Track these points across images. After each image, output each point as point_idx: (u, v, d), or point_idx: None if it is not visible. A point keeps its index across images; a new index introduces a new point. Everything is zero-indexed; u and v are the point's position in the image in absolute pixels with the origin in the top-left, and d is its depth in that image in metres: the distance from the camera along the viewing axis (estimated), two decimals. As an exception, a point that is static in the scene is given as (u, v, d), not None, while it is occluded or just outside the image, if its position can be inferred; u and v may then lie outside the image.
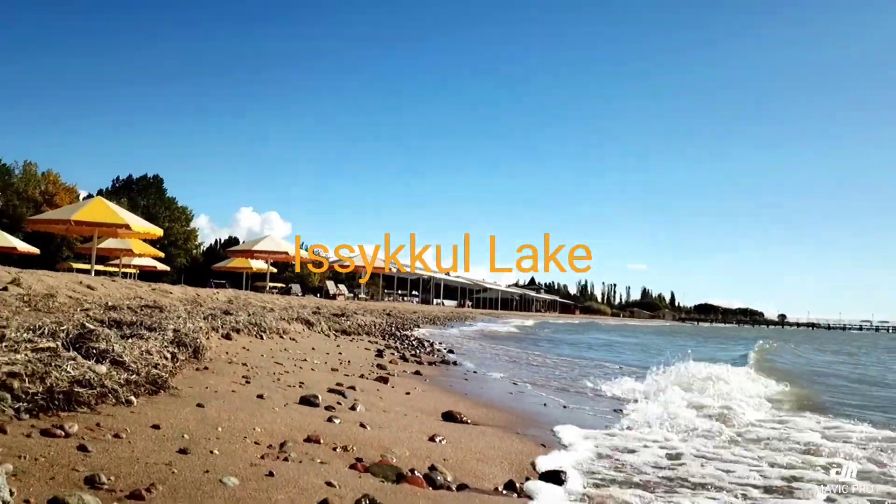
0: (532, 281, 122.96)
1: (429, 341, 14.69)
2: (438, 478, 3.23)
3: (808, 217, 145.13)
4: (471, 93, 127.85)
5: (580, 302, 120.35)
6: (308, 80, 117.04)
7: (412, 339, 14.55)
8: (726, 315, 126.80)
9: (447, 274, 72.83)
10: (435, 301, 65.73)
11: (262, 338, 8.18)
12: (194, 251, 48.69)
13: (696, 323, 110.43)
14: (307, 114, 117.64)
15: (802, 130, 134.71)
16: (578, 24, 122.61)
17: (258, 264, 36.67)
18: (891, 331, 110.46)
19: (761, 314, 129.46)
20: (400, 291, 63.81)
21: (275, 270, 38.16)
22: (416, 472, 3.24)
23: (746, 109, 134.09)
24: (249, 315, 9.04)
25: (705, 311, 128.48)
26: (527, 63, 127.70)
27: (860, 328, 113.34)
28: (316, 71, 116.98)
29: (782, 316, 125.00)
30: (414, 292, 68.60)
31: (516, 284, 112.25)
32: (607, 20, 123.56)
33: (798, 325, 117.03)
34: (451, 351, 12.55)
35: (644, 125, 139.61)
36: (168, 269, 39.03)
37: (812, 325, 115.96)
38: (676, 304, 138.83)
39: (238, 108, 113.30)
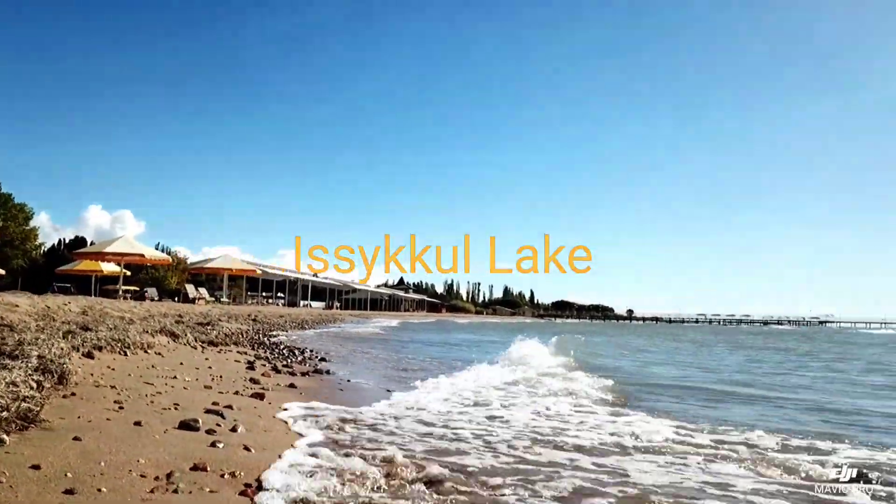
0: (401, 281, 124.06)
1: (299, 348, 14.57)
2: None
3: (670, 214, 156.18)
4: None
5: (447, 301, 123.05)
6: (171, 67, 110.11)
7: (282, 347, 14.37)
8: (581, 311, 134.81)
9: (314, 275, 71.76)
10: (302, 303, 64.55)
11: (126, 354, 7.84)
12: (34, 252, 44.40)
13: (553, 319, 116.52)
14: (167, 106, 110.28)
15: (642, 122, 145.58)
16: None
17: (109, 267, 34.22)
18: (721, 323, 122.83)
19: (612, 310, 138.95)
20: (265, 294, 62.05)
21: (128, 273, 35.74)
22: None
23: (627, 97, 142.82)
24: (110, 329, 8.62)
25: (562, 308, 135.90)
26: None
27: (696, 321, 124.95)
28: (180, 58, 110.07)
29: (630, 311, 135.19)
30: (280, 294, 66.95)
31: (385, 285, 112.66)
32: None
33: (644, 319, 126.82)
34: (323, 359, 12.56)
35: (520, 119, 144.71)
36: (2, 272, 35.38)
37: (656, 319, 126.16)
38: (536, 301, 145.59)
39: (87, 92, 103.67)
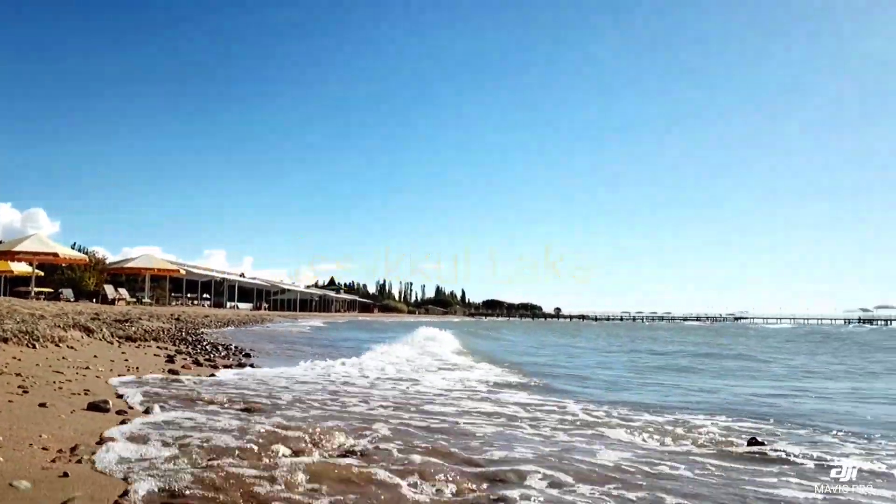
0: (331, 281, 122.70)
1: (223, 345, 14.33)
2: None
3: (597, 214, 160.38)
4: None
5: (379, 301, 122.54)
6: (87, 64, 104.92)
7: (205, 343, 14.08)
8: (510, 310, 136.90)
9: (241, 275, 70.15)
10: (229, 304, 62.95)
11: (34, 347, 7.59)
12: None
13: (483, 317, 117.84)
14: (88, 103, 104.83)
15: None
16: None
17: (20, 267, 32.45)
18: (643, 320, 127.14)
19: (540, 308, 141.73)
20: (189, 295, 60.17)
21: (41, 274, 33.99)
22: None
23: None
24: (18, 322, 8.28)
25: (492, 307, 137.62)
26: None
27: (620, 319, 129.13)
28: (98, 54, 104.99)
29: (557, 309, 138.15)
30: (205, 296, 65.09)
31: (315, 285, 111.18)
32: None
33: (570, 317, 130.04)
34: (247, 354, 12.41)
35: (435, 122, 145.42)
36: None
37: (582, 316, 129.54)
38: (467, 300, 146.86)
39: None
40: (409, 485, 3.19)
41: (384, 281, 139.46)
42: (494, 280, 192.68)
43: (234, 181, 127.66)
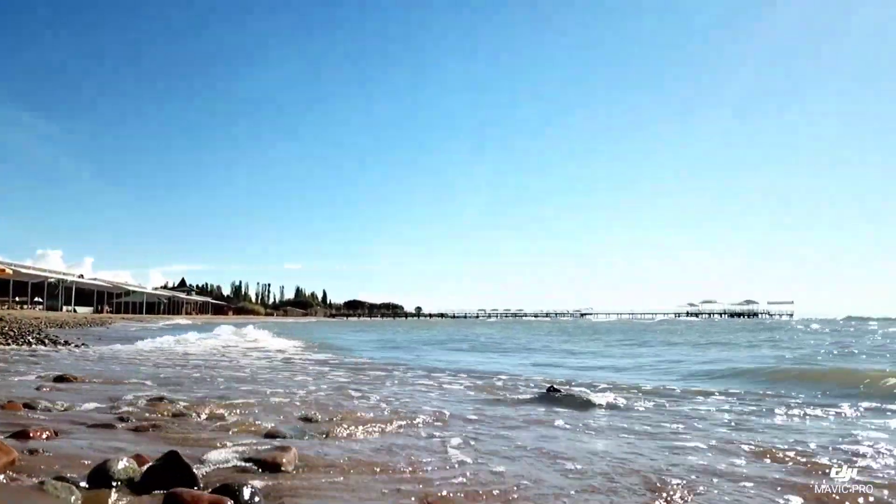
0: (182, 282, 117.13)
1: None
2: None
3: (455, 218, 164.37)
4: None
5: (234, 303, 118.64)
6: None
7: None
8: (372, 310, 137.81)
9: (80, 276, 65.73)
10: (65, 308, 58.82)
11: None
12: None
13: (345, 318, 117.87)
14: None
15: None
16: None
17: None
18: (500, 317, 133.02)
19: (402, 307, 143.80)
20: (17, 298, 55.59)
21: None
22: None
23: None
24: None
25: (354, 307, 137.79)
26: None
27: (477, 316, 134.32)
28: None
29: (419, 308, 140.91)
30: (37, 298, 60.35)
31: (165, 287, 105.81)
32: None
33: (430, 315, 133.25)
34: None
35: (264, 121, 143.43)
36: None
37: (442, 315, 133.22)
38: (328, 301, 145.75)
39: None
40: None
41: (240, 282, 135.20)
42: (359, 280, 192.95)
43: (74, 175, 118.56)
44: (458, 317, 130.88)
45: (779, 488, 2.94)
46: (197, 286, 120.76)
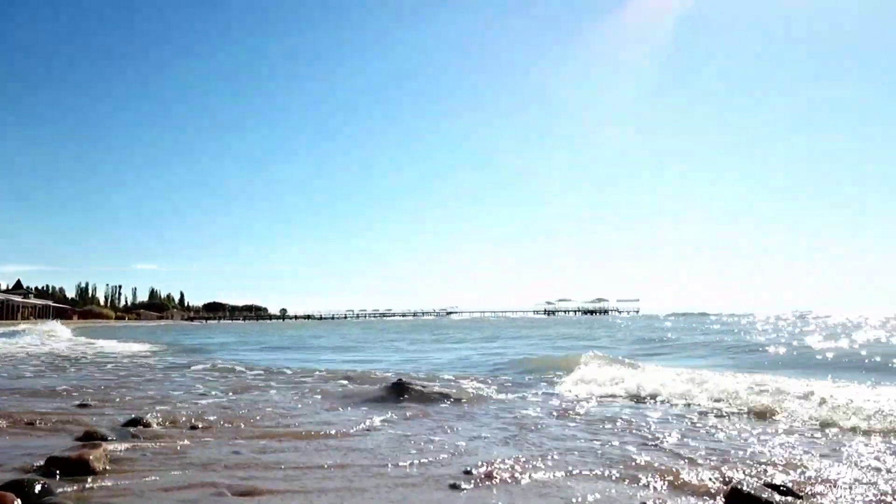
0: (18, 284, 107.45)
1: None
2: None
3: (324, 217, 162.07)
4: None
5: (80, 306, 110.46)
6: None
7: None
8: (234, 312, 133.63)
9: None
10: None
11: None
12: None
13: (205, 321, 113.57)
14: None
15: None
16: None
17: None
18: (366, 317, 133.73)
19: (266, 310, 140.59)
20: None
21: None
22: None
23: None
24: None
25: (214, 309, 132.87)
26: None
27: (345, 317, 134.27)
28: None
29: (283, 310, 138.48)
30: None
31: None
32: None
33: (296, 317, 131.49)
34: None
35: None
36: None
37: (308, 316, 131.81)
38: (186, 303, 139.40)
39: None
40: None
41: (86, 284, 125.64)
42: (221, 282, 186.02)
43: None
44: (325, 318, 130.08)
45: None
46: (36, 288, 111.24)
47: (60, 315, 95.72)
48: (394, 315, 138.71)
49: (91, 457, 3.05)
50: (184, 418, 5.03)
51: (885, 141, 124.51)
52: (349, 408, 5.76)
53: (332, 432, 4.45)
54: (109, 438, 3.95)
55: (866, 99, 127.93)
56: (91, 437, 3.90)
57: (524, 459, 3.58)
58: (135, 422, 4.72)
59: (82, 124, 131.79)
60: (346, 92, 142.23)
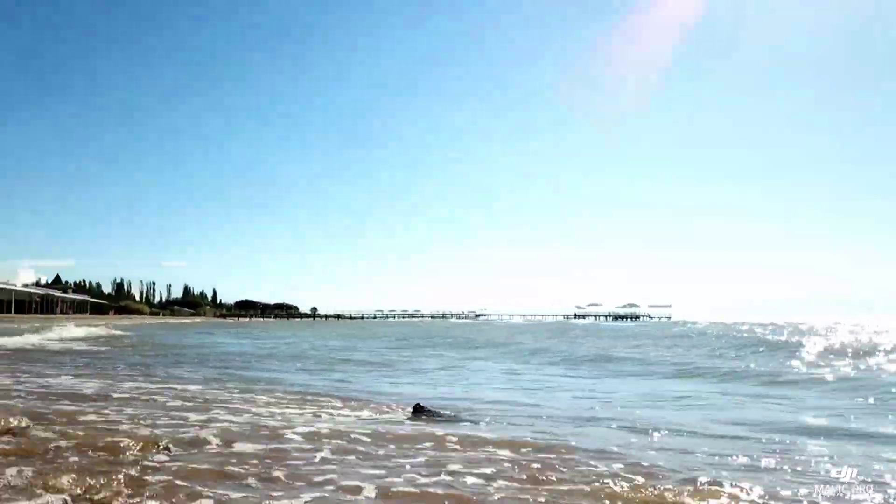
0: (57, 279, 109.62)
1: None
2: None
3: (354, 218, 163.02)
4: None
5: (116, 302, 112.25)
6: None
7: None
8: (265, 310, 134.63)
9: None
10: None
11: None
12: None
13: (237, 318, 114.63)
14: None
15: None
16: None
17: None
18: (396, 317, 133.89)
19: (297, 308, 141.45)
20: None
21: None
22: None
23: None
24: None
25: (246, 307, 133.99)
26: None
27: (374, 317, 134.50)
28: None
29: (314, 309, 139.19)
30: None
31: (37, 284, 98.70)
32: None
33: (326, 316, 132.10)
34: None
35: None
36: None
37: (338, 315, 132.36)
38: (219, 301, 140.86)
39: None
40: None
41: (121, 280, 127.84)
42: (252, 280, 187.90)
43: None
44: (354, 318, 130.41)
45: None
46: (75, 283, 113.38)
47: (98, 310, 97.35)
48: (423, 316, 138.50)
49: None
50: None
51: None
52: None
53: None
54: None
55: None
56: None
57: None
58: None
59: (118, 124, 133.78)
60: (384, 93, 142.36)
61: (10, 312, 69.59)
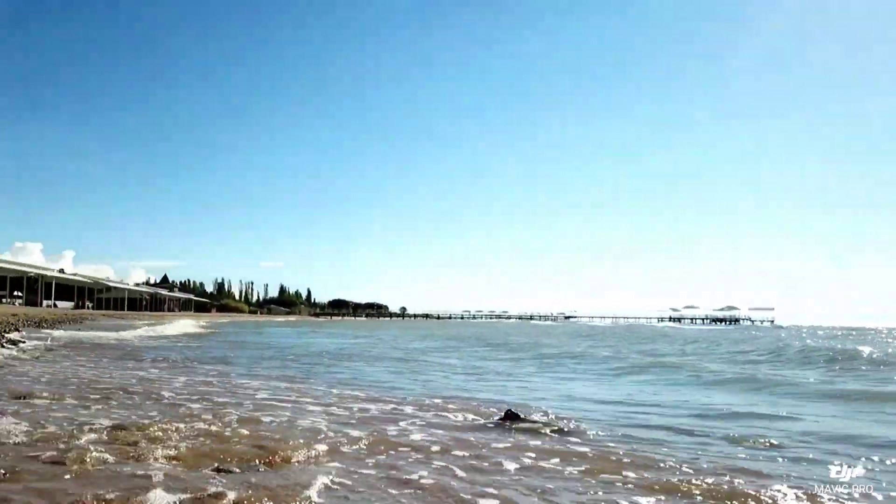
0: (165, 279, 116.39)
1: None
2: None
3: (437, 218, 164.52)
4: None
5: (217, 300, 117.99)
6: None
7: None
8: (357, 309, 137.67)
9: (60, 271, 65.25)
10: (45, 303, 58.41)
11: None
12: None
13: (330, 317, 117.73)
14: None
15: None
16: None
17: None
18: (483, 318, 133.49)
19: (387, 307, 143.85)
20: (-5, 292, 55.15)
21: None
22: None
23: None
24: None
25: (338, 306, 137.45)
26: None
27: (462, 317, 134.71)
28: None
29: (403, 308, 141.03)
30: (17, 293, 59.89)
31: (147, 283, 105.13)
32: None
33: (415, 316, 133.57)
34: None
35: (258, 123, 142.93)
36: None
37: (426, 315, 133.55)
38: (312, 300, 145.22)
39: None
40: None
41: (223, 279, 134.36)
42: (343, 279, 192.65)
43: (54, 167, 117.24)
44: (442, 317, 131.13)
45: None
46: (180, 283, 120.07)
47: (201, 308, 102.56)
48: (510, 317, 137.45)
49: None
50: None
51: None
52: None
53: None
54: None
55: None
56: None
57: None
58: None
59: (214, 132, 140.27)
60: (473, 95, 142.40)
61: (124, 309, 74.28)
